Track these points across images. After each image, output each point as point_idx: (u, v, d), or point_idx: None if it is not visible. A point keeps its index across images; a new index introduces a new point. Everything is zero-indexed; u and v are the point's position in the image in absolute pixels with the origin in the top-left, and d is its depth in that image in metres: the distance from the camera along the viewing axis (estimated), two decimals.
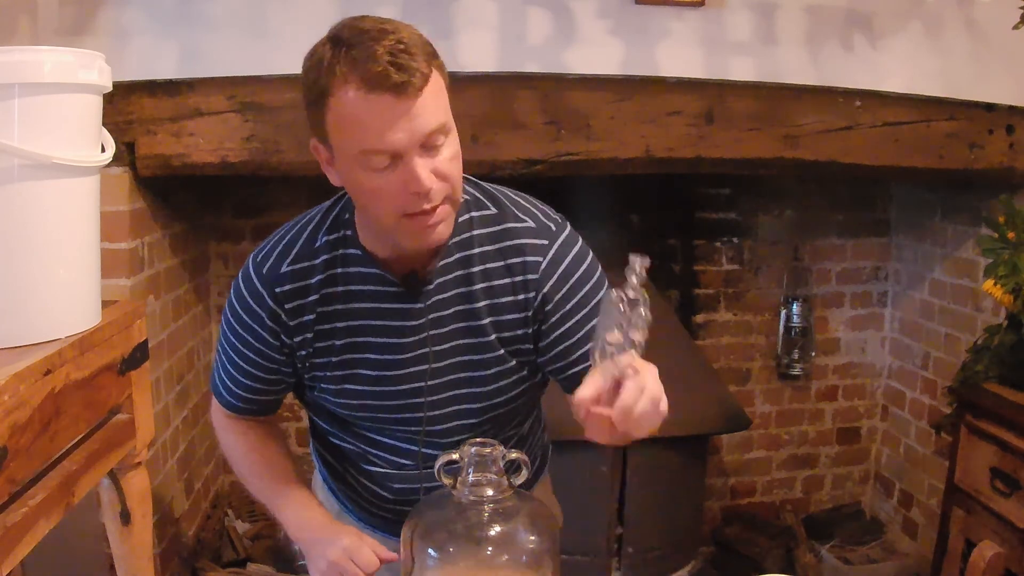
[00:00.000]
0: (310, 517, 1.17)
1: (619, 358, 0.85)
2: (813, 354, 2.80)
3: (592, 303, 1.12)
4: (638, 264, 0.85)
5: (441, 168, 0.98)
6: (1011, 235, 1.91)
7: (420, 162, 0.95)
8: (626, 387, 0.85)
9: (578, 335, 1.12)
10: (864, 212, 2.81)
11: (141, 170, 1.87)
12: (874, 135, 2.11)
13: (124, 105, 1.82)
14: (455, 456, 0.90)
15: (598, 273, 1.16)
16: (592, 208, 2.42)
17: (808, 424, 2.88)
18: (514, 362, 1.13)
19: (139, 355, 1.37)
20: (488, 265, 1.11)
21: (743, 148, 2.06)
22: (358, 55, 0.92)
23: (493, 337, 1.11)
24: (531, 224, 1.12)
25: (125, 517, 1.38)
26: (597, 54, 1.97)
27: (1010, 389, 1.89)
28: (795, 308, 2.75)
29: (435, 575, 0.87)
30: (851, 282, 2.83)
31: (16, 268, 1.10)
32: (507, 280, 1.11)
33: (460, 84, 1.90)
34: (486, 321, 1.11)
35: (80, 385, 1.16)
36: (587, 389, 0.86)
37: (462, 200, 1.10)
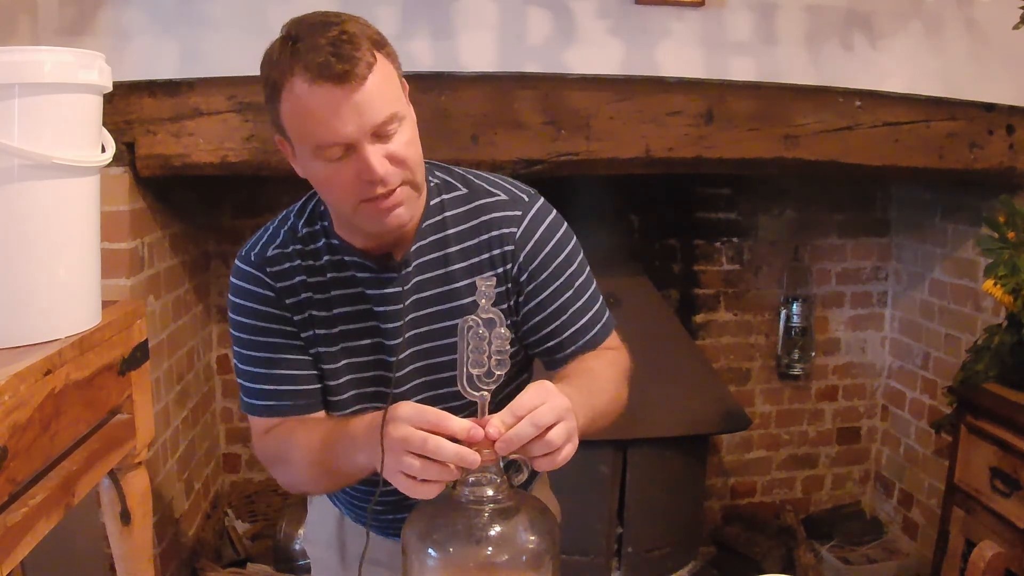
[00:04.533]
0: (352, 436, 1.01)
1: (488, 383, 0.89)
2: (813, 354, 2.80)
3: (567, 273, 1.14)
4: (484, 286, 0.89)
5: (396, 153, 1.00)
6: (1011, 235, 1.91)
7: (372, 150, 0.97)
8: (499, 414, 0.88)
9: (552, 307, 1.14)
10: (864, 212, 2.81)
11: (141, 170, 1.87)
12: (874, 135, 2.11)
13: (124, 105, 1.82)
14: None
15: (572, 243, 1.17)
16: (592, 208, 2.42)
17: (808, 424, 2.88)
18: None
19: (139, 355, 1.37)
20: (465, 244, 1.12)
21: (743, 148, 2.06)
22: (302, 47, 0.96)
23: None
24: (503, 197, 1.14)
25: (125, 517, 1.38)
26: (597, 54, 1.98)
27: (1010, 389, 1.89)
28: (795, 308, 2.75)
29: (435, 575, 0.87)
30: (851, 282, 2.84)
31: (16, 268, 1.10)
32: (485, 256, 1.12)
33: (460, 84, 1.93)
34: (467, 300, 1.11)
35: (80, 385, 1.16)
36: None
37: (431, 184, 1.13)
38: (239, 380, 1.17)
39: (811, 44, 2.07)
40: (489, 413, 0.90)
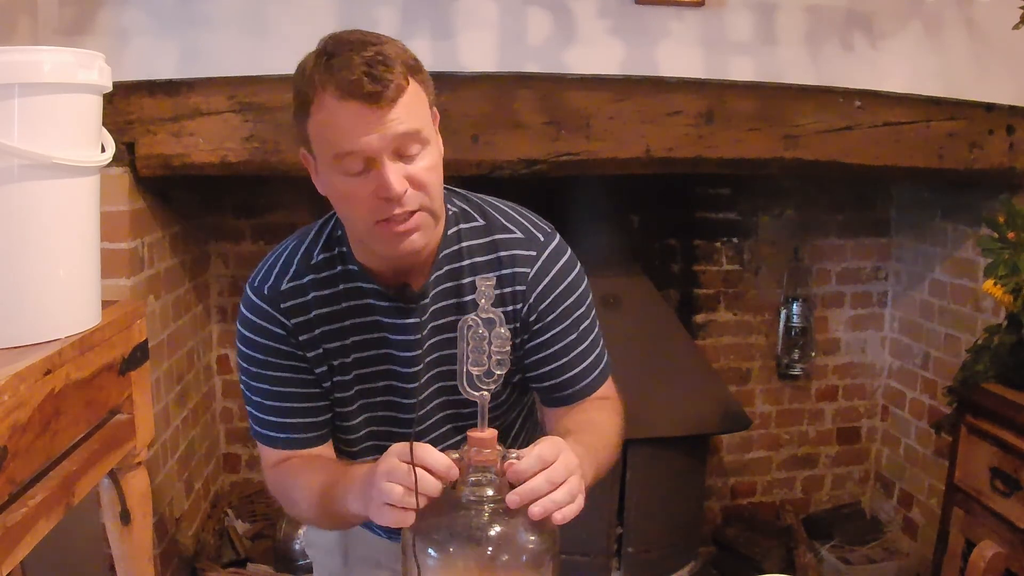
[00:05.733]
0: (349, 482, 1.01)
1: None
2: (813, 354, 2.80)
3: (573, 317, 1.14)
4: (484, 286, 0.89)
5: (416, 175, 0.99)
6: (1011, 235, 1.90)
7: (391, 167, 0.96)
8: (525, 459, 0.89)
9: (554, 348, 1.14)
10: (864, 212, 2.81)
11: (141, 170, 1.87)
12: (874, 135, 2.10)
13: (124, 105, 1.82)
14: (456, 456, 0.90)
15: (583, 286, 1.16)
16: (592, 208, 2.42)
17: (808, 424, 2.88)
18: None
19: (139, 355, 1.37)
20: (479, 276, 1.11)
21: (743, 148, 2.06)
22: (336, 64, 0.95)
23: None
24: (519, 235, 1.13)
25: (125, 517, 1.38)
26: (597, 54, 1.97)
27: (1010, 389, 1.89)
28: (795, 308, 2.75)
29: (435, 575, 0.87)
30: (851, 282, 2.83)
31: (16, 268, 1.10)
32: (498, 291, 1.11)
33: (460, 84, 1.93)
34: None
35: (80, 385, 1.16)
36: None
37: (449, 213, 1.12)
38: (248, 408, 1.16)
39: (811, 44, 2.07)
40: (494, 451, 0.90)
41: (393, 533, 1.25)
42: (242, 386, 1.16)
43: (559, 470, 0.89)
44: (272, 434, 1.14)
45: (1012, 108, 2.16)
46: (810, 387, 2.86)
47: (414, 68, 1.00)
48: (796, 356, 2.78)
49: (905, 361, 2.76)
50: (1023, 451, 1.76)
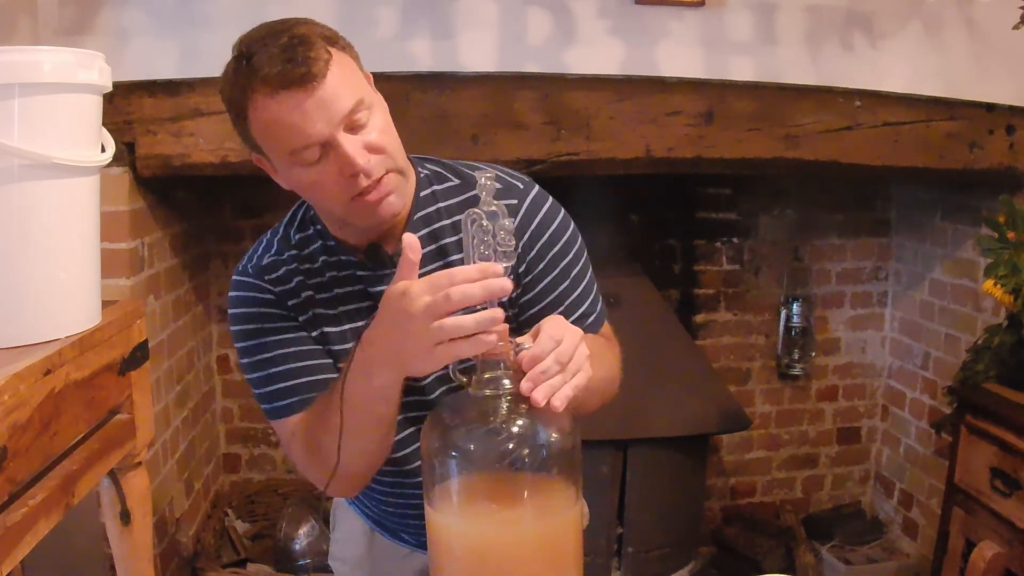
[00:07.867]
0: (354, 352, 0.96)
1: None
2: (813, 354, 2.80)
3: (563, 264, 1.13)
4: (484, 178, 0.88)
5: (373, 142, 0.99)
6: (1011, 235, 1.91)
7: (349, 144, 0.96)
8: (539, 339, 0.87)
9: (547, 299, 1.12)
10: (864, 212, 2.81)
11: (141, 170, 1.87)
12: (874, 135, 2.11)
13: (124, 105, 1.83)
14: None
15: (569, 232, 1.15)
16: (592, 208, 2.41)
17: (808, 424, 2.88)
18: None
19: (139, 355, 1.37)
20: (462, 235, 1.10)
21: (743, 148, 2.06)
22: (257, 62, 0.95)
23: (478, 307, 1.08)
24: (498, 186, 1.11)
25: (125, 517, 1.38)
26: (597, 54, 1.98)
27: (1010, 389, 1.89)
28: (795, 308, 2.75)
29: (457, 480, 0.87)
30: (851, 282, 2.84)
31: (16, 268, 1.10)
32: None
33: (460, 84, 1.93)
34: None
35: (80, 385, 1.16)
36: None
37: (421, 176, 1.12)
38: (256, 391, 1.14)
39: (811, 44, 2.07)
40: (505, 345, 0.87)
41: (421, 540, 1.23)
42: (244, 370, 1.14)
43: (566, 348, 0.87)
44: (284, 401, 1.09)
45: (1012, 108, 2.16)
46: (810, 387, 2.86)
47: (331, 39, 0.99)
48: (796, 356, 2.78)
49: (905, 361, 2.76)
50: (1023, 451, 1.76)
